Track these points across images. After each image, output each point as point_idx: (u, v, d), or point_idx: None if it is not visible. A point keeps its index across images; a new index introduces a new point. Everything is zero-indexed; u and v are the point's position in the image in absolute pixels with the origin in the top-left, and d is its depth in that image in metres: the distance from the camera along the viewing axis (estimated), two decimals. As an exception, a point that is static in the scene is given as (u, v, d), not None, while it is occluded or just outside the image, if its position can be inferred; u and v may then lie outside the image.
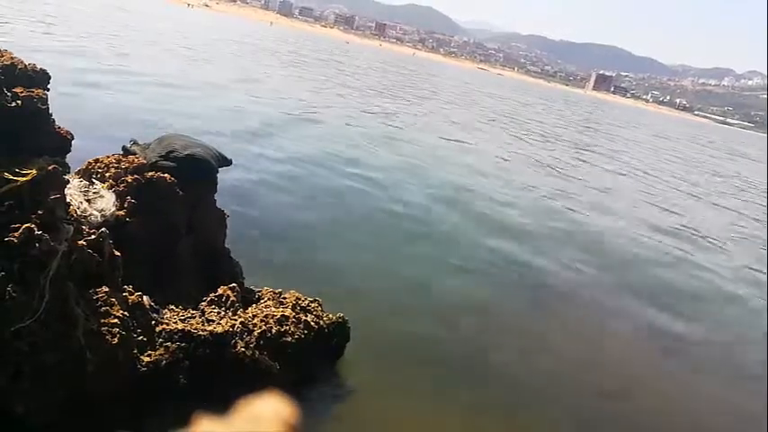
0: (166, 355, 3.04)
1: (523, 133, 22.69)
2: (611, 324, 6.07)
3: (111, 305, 2.85)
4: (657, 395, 4.79)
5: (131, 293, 3.07)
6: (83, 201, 3.20)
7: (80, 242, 2.81)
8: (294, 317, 3.63)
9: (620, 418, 4.36)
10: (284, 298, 3.88)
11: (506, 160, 15.23)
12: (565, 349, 5.20)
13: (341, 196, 8.24)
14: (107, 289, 2.88)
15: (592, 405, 4.39)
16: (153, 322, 3.13)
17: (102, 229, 2.98)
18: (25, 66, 3.12)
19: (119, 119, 9.43)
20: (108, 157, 3.72)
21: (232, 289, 3.64)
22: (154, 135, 4.07)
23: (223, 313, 3.48)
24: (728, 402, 5.06)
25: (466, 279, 6.28)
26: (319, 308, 3.90)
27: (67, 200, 2.98)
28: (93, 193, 3.30)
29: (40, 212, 2.65)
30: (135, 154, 3.76)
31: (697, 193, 17.42)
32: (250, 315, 3.54)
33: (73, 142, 3.18)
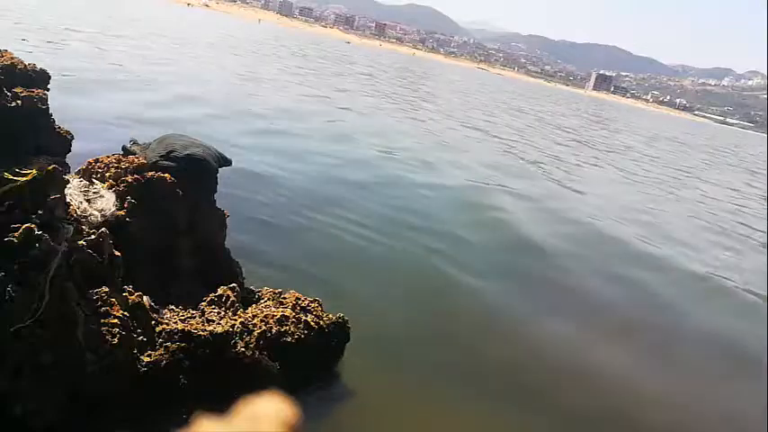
0: (166, 356, 3.04)
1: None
2: (611, 325, 6.07)
3: (111, 305, 2.85)
4: (654, 398, 4.79)
5: (131, 293, 3.07)
6: (83, 201, 3.20)
7: (80, 242, 2.81)
8: (294, 317, 3.63)
9: (620, 420, 4.36)
10: (284, 298, 3.88)
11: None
12: (566, 350, 5.20)
13: (343, 196, 8.24)
14: (107, 289, 2.87)
15: (592, 407, 4.39)
16: (153, 322, 3.13)
17: (103, 229, 2.98)
18: (25, 66, 3.12)
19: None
20: (108, 156, 3.72)
21: (232, 289, 3.64)
22: (154, 135, 4.08)
23: (223, 313, 3.47)
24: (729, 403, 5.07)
25: (467, 280, 6.28)
26: (319, 308, 3.90)
27: (67, 200, 2.98)
28: (94, 192, 3.30)
29: (40, 212, 2.65)
30: (135, 154, 3.76)
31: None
32: (250, 315, 3.54)
33: (73, 142, 3.18)
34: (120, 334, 2.81)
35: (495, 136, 19.51)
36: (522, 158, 16.00)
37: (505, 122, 24.79)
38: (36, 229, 2.59)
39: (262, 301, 3.83)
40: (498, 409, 4.06)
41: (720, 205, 15.96)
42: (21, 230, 2.55)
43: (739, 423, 4.73)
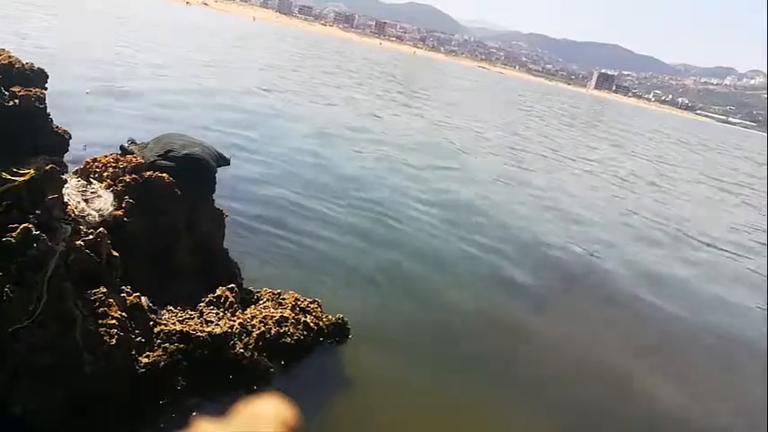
0: (165, 357, 3.03)
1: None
2: (609, 322, 6.06)
3: (109, 306, 2.84)
4: (655, 393, 4.78)
5: (129, 294, 3.06)
6: (81, 200, 3.18)
7: (78, 242, 2.80)
8: (293, 318, 3.62)
9: (619, 416, 4.35)
10: (283, 299, 3.87)
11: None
12: (564, 346, 5.20)
13: (343, 196, 8.23)
14: (105, 289, 2.86)
15: (591, 402, 4.39)
16: (151, 323, 3.12)
17: (100, 229, 2.96)
18: (23, 65, 3.11)
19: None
20: (106, 156, 3.70)
21: (231, 290, 3.63)
22: (152, 135, 4.06)
23: (222, 314, 3.46)
24: (728, 398, 5.05)
25: (466, 279, 6.27)
26: (318, 308, 3.89)
27: (65, 200, 2.97)
28: (91, 192, 3.29)
29: (37, 212, 2.64)
30: (133, 153, 3.74)
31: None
32: (249, 316, 3.53)
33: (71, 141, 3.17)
34: (117, 335, 2.80)
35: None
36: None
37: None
38: (34, 229, 2.58)
39: (261, 302, 3.82)
40: (498, 405, 4.05)
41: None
42: (18, 230, 2.54)
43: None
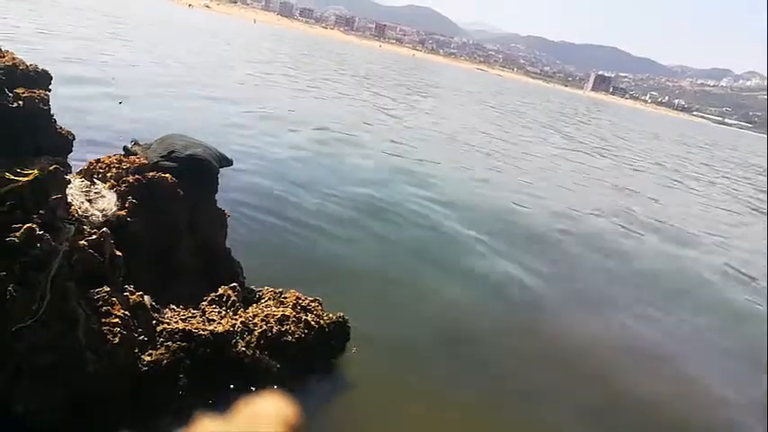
0: (167, 355, 3.04)
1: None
2: (607, 320, 6.09)
3: (112, 305, 2.85)
4: (654, 394, 4.81)
5: (132, 293, 3.08)
6: (84, 201, 3.20)
7: (81, 242, 2.82)
8: (294, 316, 3.64)
9: (619, 415, 4.38)
10: (285, 297, 3.89)
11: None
12: (564, 347, 5.22)
13: (342, 195, 8.25)
14: (108, 289, 2.88)
15: (589, 403, 4.41)
16: (154, 322, 3.13)
17: (104, 228, 2.98)
18: (27, 66, 3.13)
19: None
20: (109, 157, 3.72)
21: (233, 288, 3.65)
22: (156, 135, 4.09)
23: (224, 313, 3.48)
24: (725, 400, 5.08)
25: (467, 279, 6.30)
26: (319, 307, 3.91)
27: (69, 200, 2.99)
28: (95, 193, 3.31)
29: (41, 212, 2.66)
30: (136, 154, 3.76)
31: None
32: (251, 315, 3.55)
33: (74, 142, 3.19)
34: (120, 333, 2.82)
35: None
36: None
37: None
38: (37, 229, 2.60)
39: (262, 301, 3.84)
40: (499, 405, 4.07)
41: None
42: (22, 230, 2.56)
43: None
